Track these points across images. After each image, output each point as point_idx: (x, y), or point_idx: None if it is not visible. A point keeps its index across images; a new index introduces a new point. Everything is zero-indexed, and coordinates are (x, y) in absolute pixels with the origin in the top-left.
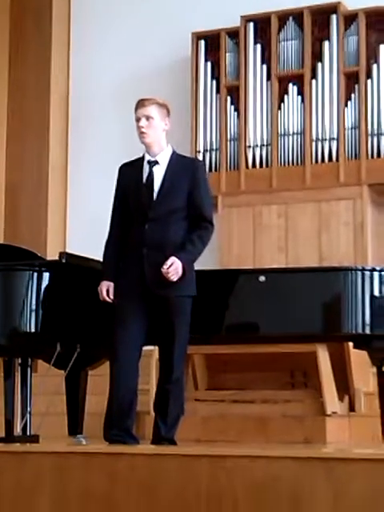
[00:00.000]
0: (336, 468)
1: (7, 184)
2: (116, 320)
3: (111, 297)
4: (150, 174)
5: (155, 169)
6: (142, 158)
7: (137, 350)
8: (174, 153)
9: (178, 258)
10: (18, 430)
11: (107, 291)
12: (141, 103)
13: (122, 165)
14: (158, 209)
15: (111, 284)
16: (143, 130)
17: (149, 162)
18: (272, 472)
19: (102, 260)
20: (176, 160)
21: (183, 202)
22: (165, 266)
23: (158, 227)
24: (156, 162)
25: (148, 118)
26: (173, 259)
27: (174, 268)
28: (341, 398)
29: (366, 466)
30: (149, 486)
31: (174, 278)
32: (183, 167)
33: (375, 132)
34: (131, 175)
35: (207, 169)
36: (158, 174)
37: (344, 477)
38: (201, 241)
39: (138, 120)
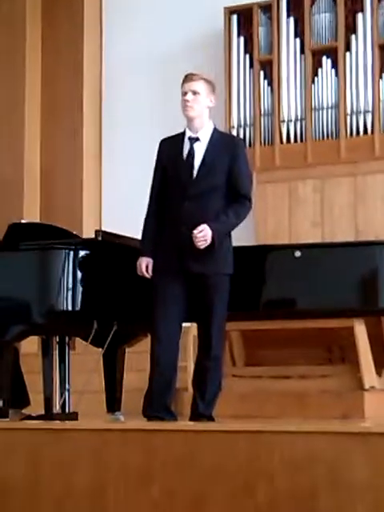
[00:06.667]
0: (374, 443)
1: (42, 165)
2: (155, 298)
3: (150, 272)
4: (191, 151)
5: (196, 145)
6: (183, 134)
7: (177, 327)
8: (214, 130)
9: (210, 227)
10: (57, 407)
11: (146, 267)
12: (188, 77)
13: (163, 140)
14: (197, 186)
15: (150, 260)
16: (188, 103)
17: (190, 138)
18: (310, 447)
19: (138, 237)
20: (217, 137)
21: (222, 179)
22: (195, 231)
23: (196, 205)
24: (197, 139)
25: (194, 92)
26: (203, 226)
27: (202, 235)
28: (379, 373)
29: None
30: (186, 462)
31: (202, 245)
32: (223, 144)
33: None
34: (171, 151)
35: None
36: (199, 150)
37: (382, 451)
38: (235, 214)
39: (184, 94)
